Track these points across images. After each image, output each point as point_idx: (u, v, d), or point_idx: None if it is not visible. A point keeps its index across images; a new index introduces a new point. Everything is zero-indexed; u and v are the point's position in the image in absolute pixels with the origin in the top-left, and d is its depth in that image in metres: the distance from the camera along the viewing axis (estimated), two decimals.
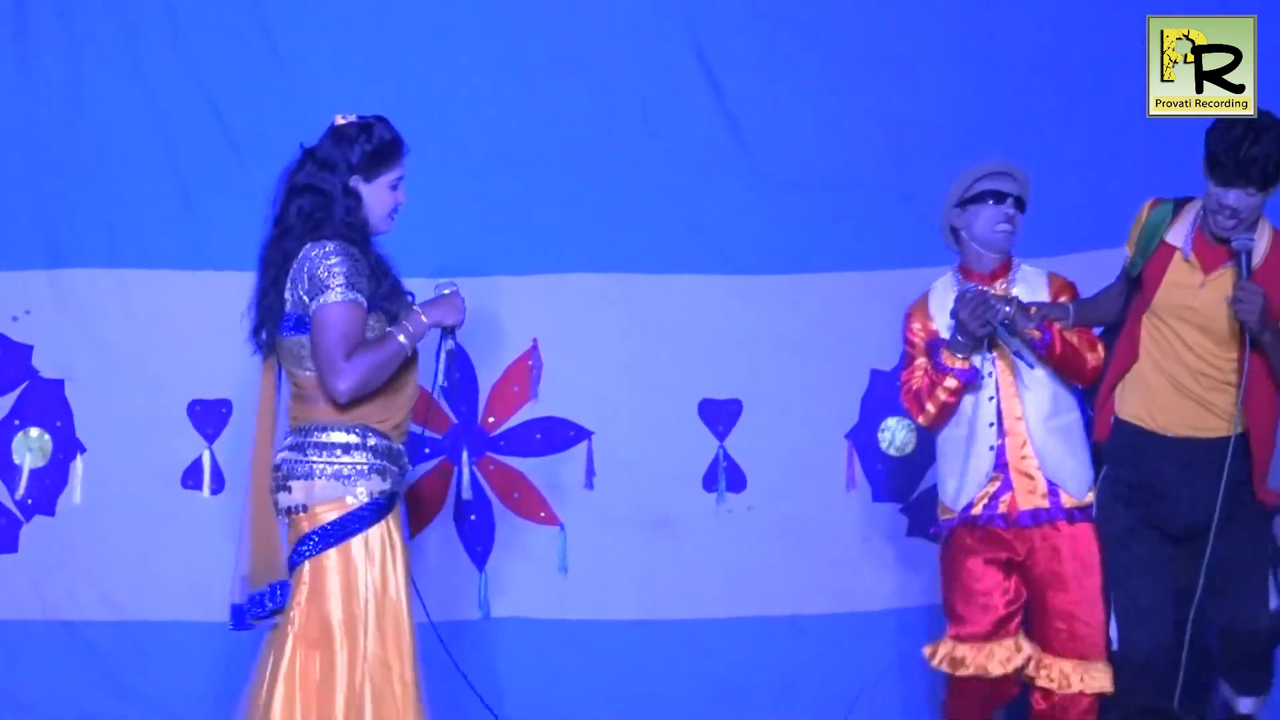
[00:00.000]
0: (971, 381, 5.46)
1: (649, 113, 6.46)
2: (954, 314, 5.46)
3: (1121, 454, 5.50)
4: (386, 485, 4.93)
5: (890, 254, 6.24)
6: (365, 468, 4.88)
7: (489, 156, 6.40)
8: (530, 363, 6.38)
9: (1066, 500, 5.52)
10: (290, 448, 4.93)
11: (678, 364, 6.36)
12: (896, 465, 6.48)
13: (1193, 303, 5.36)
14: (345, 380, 4.82)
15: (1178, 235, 5.41)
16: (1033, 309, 5.47)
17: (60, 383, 6.32)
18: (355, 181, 4.96)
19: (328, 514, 4.87)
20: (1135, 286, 5.52)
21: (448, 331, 5.08)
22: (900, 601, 6.42)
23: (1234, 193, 5.22)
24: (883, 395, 6.41)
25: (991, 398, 5.51)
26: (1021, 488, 5.50)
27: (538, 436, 6.37)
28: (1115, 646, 5.49)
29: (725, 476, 6.39)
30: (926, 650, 5.59)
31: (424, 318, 4.95)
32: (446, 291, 5.07)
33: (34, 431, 6.32)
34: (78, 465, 6.30)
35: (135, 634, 6.24)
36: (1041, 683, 5.53)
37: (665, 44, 6.47)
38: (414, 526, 6.27)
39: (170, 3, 6.37)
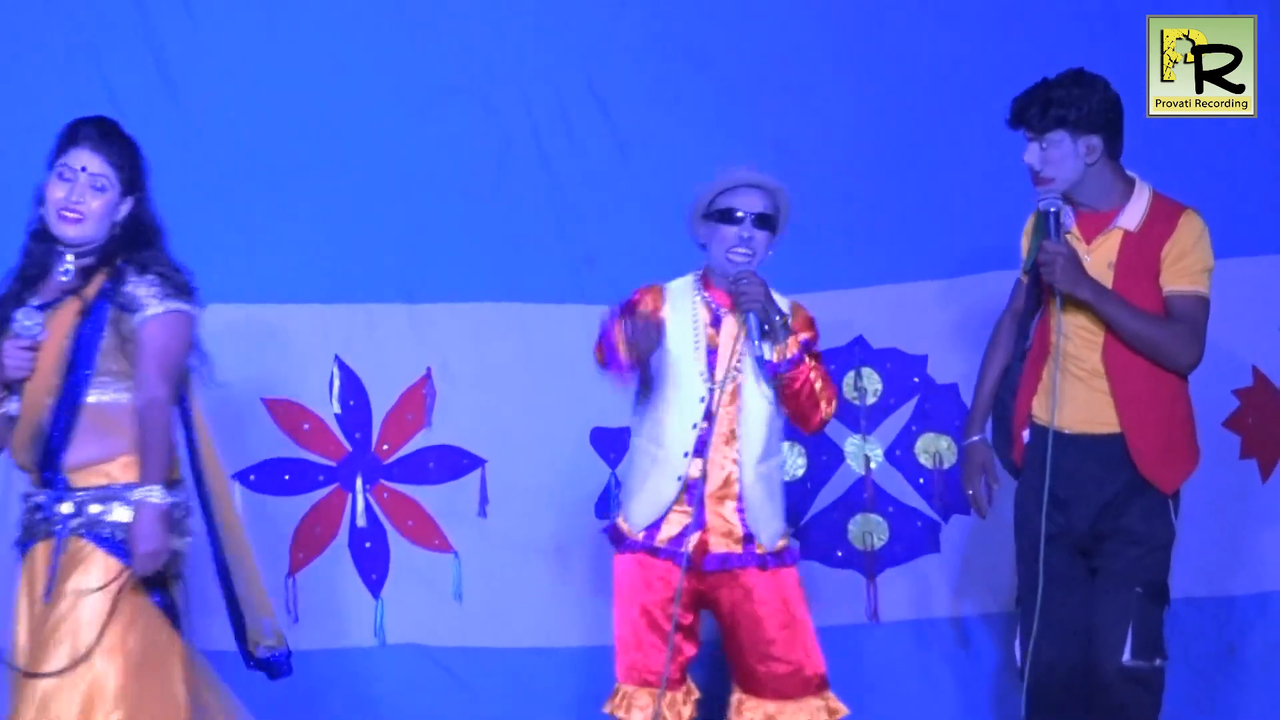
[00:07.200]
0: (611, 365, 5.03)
1: (541, 143, 6.48)
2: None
3: (1031, 458, 5.22)
4: None
5: (782, 281, 6.28)
6: None
7: (382, 186, 6.41)
8: (424, 390, 6.38)
9: (759, 548, 5.12)
10: None
11: (569, 393, 6.32)
12: (786, 491, 6.48)
13: None
14: None
15: (1069, 216, 5.18)
16: (791, 326, 5.07)
17: None
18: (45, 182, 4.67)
19: None
20: (1031, 300, 5.31)
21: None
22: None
23: (1029, 147, 5.11)
24: None
25: (696, 425, 5.06)
26: (716, 529, 5.10)
27: (431, 464, 6.37)
28: (1019, 664, 5.22)
29: (617, 504, 6.34)
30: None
31: None
32: (28, 323, 4.57)
33: None
34: None
35: None
36: None
37: (557, 74, 6.50)
38: (309, 553, 6.31)
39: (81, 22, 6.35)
